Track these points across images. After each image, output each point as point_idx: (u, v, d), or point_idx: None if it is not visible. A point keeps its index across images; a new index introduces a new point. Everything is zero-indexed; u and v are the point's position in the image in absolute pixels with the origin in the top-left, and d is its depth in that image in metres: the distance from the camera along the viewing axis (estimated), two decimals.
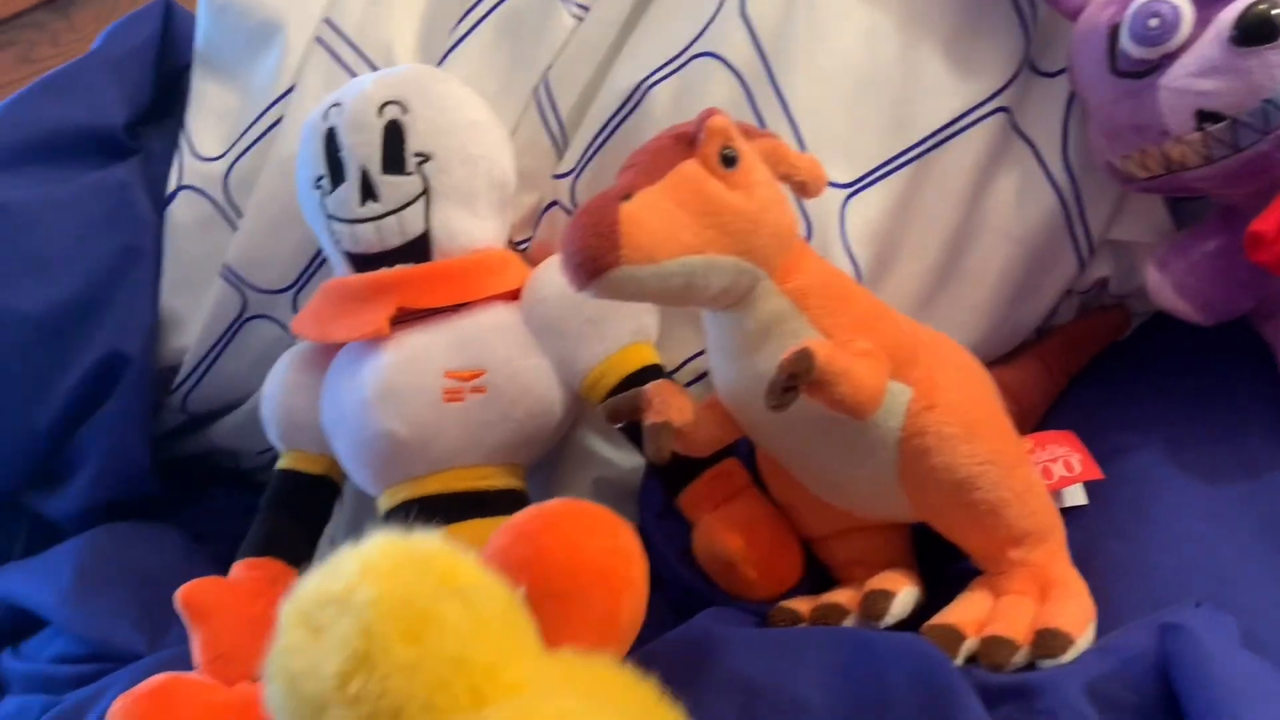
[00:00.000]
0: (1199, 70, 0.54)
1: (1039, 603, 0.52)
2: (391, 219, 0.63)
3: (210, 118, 0.81)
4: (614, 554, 0.47)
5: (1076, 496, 0.59)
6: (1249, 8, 0.53)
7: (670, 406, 0.54)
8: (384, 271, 0.64)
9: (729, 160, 0.49)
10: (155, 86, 0.87)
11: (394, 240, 0.64)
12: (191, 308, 0.80)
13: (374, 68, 0.74)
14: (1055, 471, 0.59)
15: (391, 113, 0.64)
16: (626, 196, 0.46)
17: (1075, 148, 0.65)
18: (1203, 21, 0.55)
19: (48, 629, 0.82)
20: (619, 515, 0.49)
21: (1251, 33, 0.53)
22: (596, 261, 0.46)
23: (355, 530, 0.79)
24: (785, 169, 0.53)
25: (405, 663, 0.33)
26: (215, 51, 0.82)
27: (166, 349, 0.82)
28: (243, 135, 0.78)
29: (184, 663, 0.62)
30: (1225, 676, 0.41)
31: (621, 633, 0.47)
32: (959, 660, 0.49)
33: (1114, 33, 0.58)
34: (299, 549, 0.67)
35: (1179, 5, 0.55)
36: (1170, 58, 0.55)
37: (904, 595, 0.54)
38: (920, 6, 0.66)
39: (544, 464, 0.69)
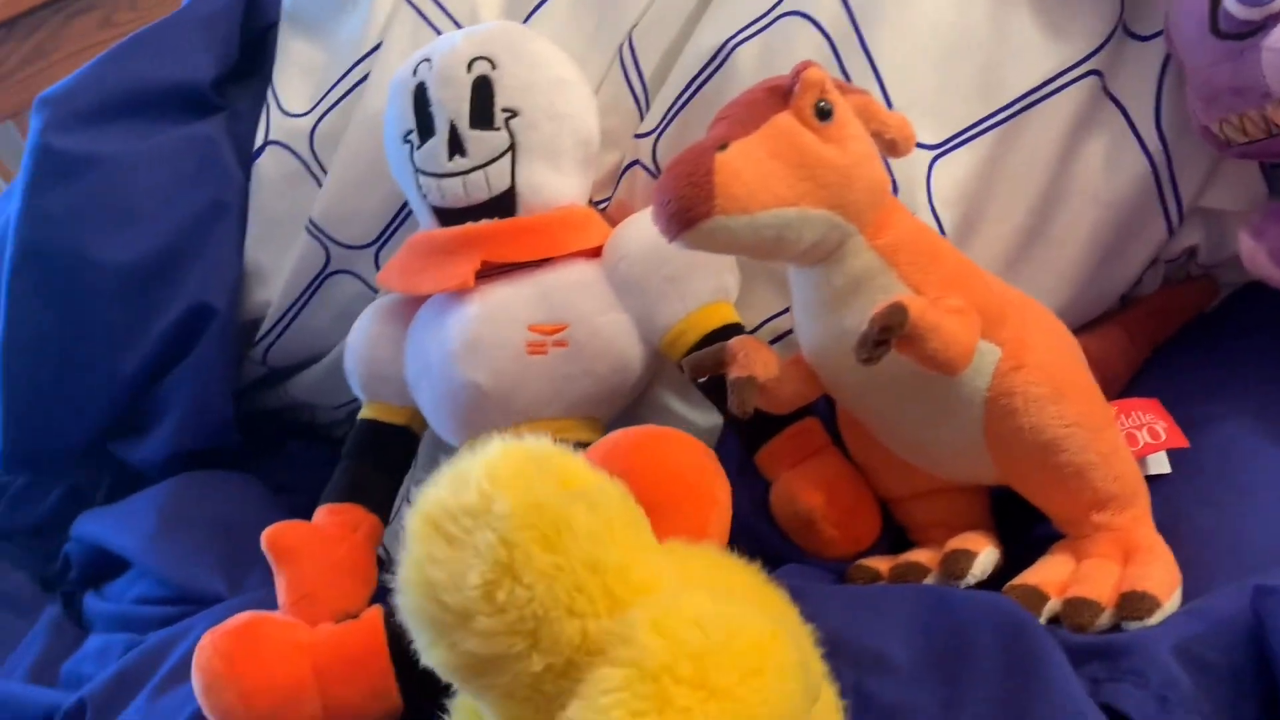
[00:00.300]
0: None
1: (1123, 567, 0.51)
2: (478, 174, 0.64)
3: (297, 74, 0.82)
4: (702, 471, 0.48)
5: (1160, 464, 0.58)
6: None
7: (755, 361, 0.54)
8: (470, 225, 0.65)
9: (824, 113, 0.49)
10: (242, 44, 0.88)
11: (480, 195, 0.65)
12: (276, 262, 0.82)
13: (459, 26, 0.75)
14: (1140, 438, 0.58)
15: (481, 68, 0.65)
16: (722, 146, 0.47)
17: (1169, 112, 0.63)
18: None
19: (130, 572, 0.84)
20: None
21: None
22: (690, 211, 0.46)
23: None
24: (876, 126, 0.53)
25: (546, 569, 0.33)
26: (302, 9, 0.84)
27: (250, 302, 0.83)
28: (329, 92, 0.79)
29: (265, 606, 0.63)
30: None
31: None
32: (1041, 621, 0.48)
33: None
34: (380, 496, 0.69)
35: None
36: (1276, 18, 0.54)
37: (985, 556, 0.54)
38: None
39: (621, 422, 0.70)
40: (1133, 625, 0.48)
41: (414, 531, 0.35)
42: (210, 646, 0.56)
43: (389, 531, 0.70)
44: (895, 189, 0.63)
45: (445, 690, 0.40)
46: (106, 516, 0.87)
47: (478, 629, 0.33)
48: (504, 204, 0.65)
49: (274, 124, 0.82)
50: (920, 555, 0.56)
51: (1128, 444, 0.57)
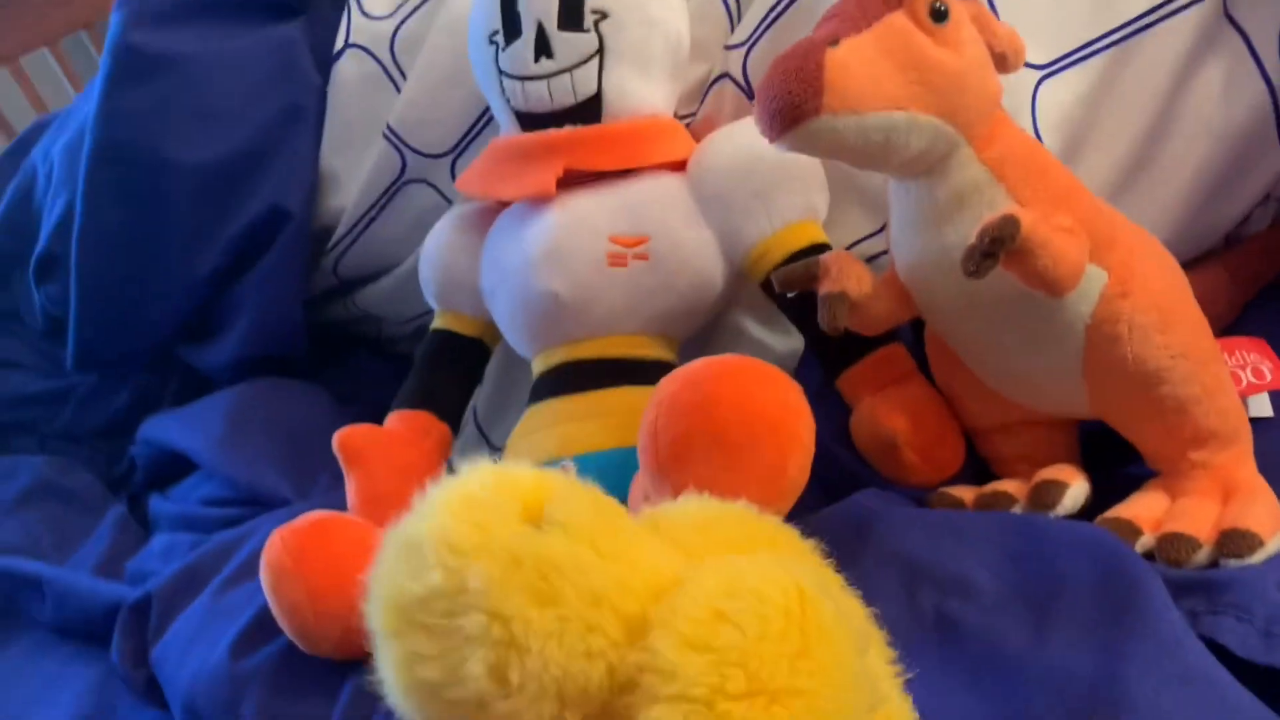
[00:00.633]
0: None
1: (1222, 506, 0.49)
2: (564, 77, 0.62)
3: None
4: (785, 409, 0.46)
5: (1263, 407, 0.56)
6: None
7: (848, 276, 0.52)
8: (553, 131, 0.63)
9: (939, 15, 0.47)
10: None
11: (565, 100, 0.63)
12: (351, 168, 0.81)
13: None
14: (1243, 378, 0.56)
15: None
16: (833, 43, 0.45)
17: None
18: None
19: (195, 474, 0.85)
20: None
21: None
22: (797, 108, 0.44)
23: (500, 394, 0.80)
24: (986, 37, 0.50)
25: (550, 627, 0.30)
26: None
27: (324, 208, 0.83)
28: None
29: (333, 510, 0.63)
30: None
31: (787, 489, 0.46)
32: None
33: None
34: (451, 406, 0.68)
35: None
36: None
37: (1076, 488, 0.52)
38: None
39: (695, 343, 0.69)
40: (1232, 563, 0.46)
41: (385, 629, 0.32)
42: (280, 543, 0.55)
43: (458, 444, 0.70)
44: None
45: None
46: (174, 419, 0.88)
47: (498, 713, 0.30)
48: (589, 111, 0.63)
49: (355, 26, 0.80)
50: (1007, 485, 0.55)
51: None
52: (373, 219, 0.81)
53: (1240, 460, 0.51)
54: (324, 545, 0.56)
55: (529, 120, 0.64)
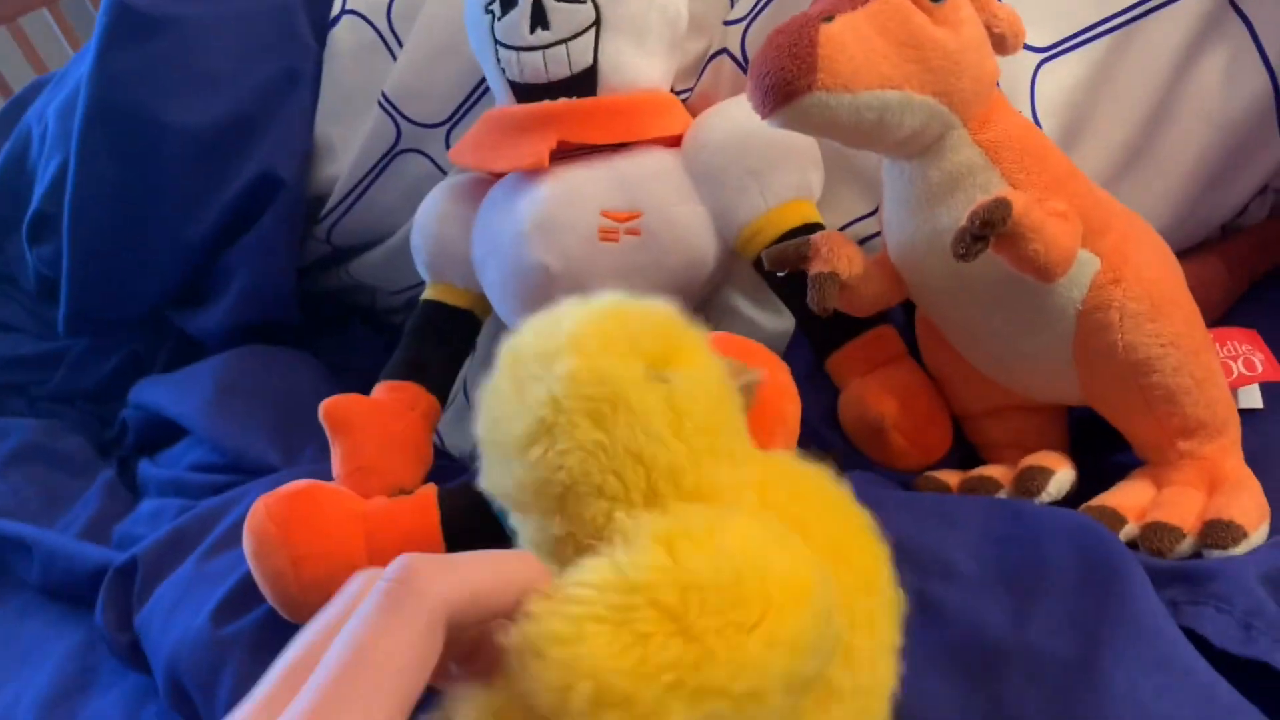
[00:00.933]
0: None
1: (1207, 496, 0.49)
2: (560, 48, 0.62)
3: None
4: (772, 388, 0.46)
5: (1252, 398, 0.56)
6: None
7: (839, 256, 0.52)
8: (547, 103, 0.63)
9: None
10: None
11: (560, 71, 0.62)
12: (346, 136, 0.81)
13: None
14: (1234, 369, 0.56)
15: None
16: (828, 18, 0.44)
17: None
18: None
19: (185, 440, 0.85)
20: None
21: None
22: (790, 85, 0.44)
23: (491, 366, 0.80)
24: (985, 17, 0.50)
25: (585, 444, 0.32)
26: None
27: (318, 176, 0.82)
28: None
29: (320, 478, 0.62)
30: None
31: None
32: None
33: None
34: (439, 378, 0.68)
35: None
36: None
37: (1062, 475, 0.52)
38: None
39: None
40: (1215, 554, 0.46)
41: (500, 359, 0.34)
42: (264, 510, 0.55)
43: (447, 415, 0.69)
44: None
45: None
46: (165, 384, 0.87)
47: (515, 471, 0.33)
48: (584, 83, 0.63)
49: None
50: (993, 471, 0.55)
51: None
52: (366, 188, 0.80)
53: (1227, 451, 0.51)
54: (309, 513, 0.55)
55: (524, 91, 0.64)
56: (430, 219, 0.69)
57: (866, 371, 0.59)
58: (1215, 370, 0.51)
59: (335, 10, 0.80)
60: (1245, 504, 0.47)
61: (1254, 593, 0.41)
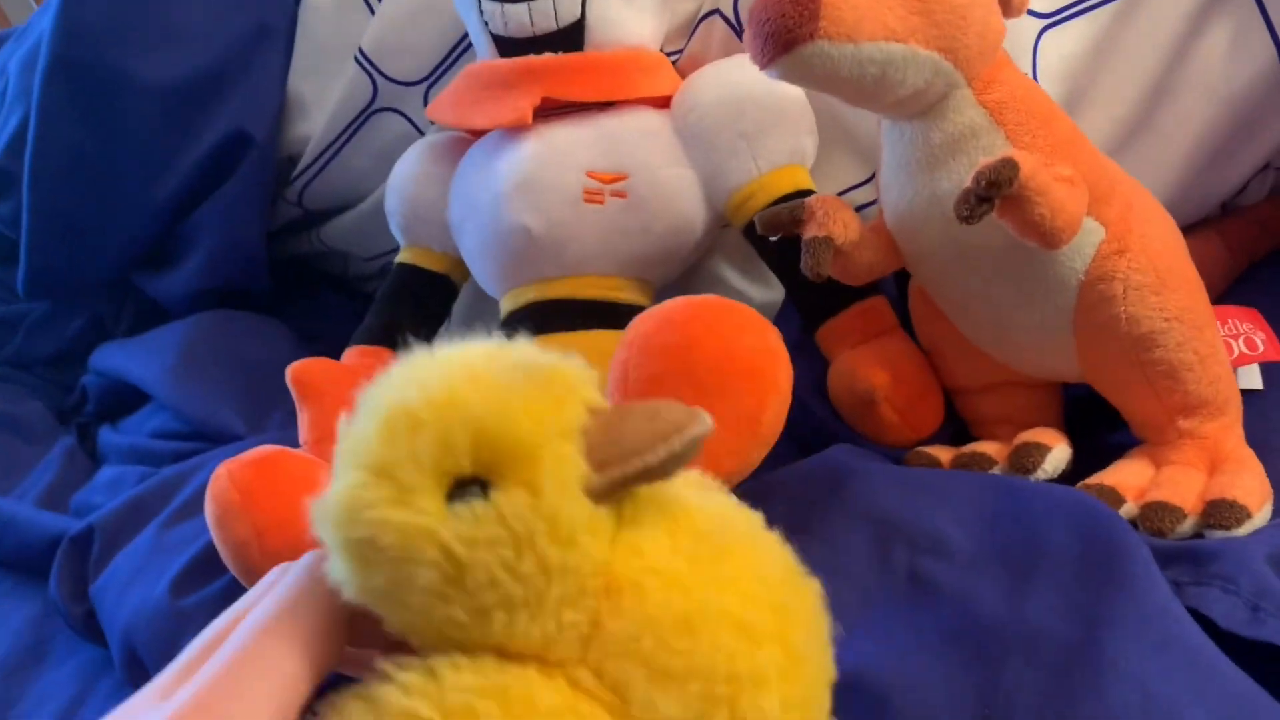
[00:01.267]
0: None
1: (1208, 476, 0.48)
2: (547, 1, 0.59)
3: None
4: (764, 354, 0.44)
5: (1252, 378, 0.54)
6: None
7: (834, 221, 0.50)
8: (532, 58, 0.60)
9: None
10: None
11: (546, 25, 0.60)
12: (320, 94, 0.78)
13: None
14: (1235, 348, 0.54)
15: None
16: None
17: None
18: None
19: (147, 406, 0.82)
20: None
21: None
22: (791, 32, 0.41)
23: (467, 333, 0.77)
24: None
25: (361, 585, 0.27)
26: None
27: (291, 135, 0.79)
28: None
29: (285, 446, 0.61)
30: None
31: (762, 436, 0.44)
32: None
33: None
34: (414, 343, 0.65)
35: None
36: None
37: (1058, 452, 0.50)
38: None
39: (672, 289, 0.66)
40: (1218, 534, 0.44)
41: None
42: (227, 476, 0.52)
43: None
44: None
45: None
46: (127, 349, 0.85)
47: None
48: (571, 38, 0.60)
49: None
50: (987, 447, 0.53)
51: None
52: (340, 148, 0.78)
53: (1228, 430, 0.49)
54: (273, 481, 0.53)
55: (507, 45, 0.61)
56: (406, 179, 0.66)
57: (858, 343, 0.57)
58: (1218, 347, 0.50)
59: None
60: (1248, 484, 0.46)
61: (1260, 573, 0.40)
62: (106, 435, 0.83)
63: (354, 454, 0.28)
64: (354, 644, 0.30)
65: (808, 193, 0.59)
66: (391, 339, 0.65)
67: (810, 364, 0.59)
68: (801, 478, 0.49)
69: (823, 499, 0.47)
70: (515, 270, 0.61)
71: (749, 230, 0.59)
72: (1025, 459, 0.50)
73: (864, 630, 0.41)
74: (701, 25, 0.66)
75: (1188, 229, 0.63)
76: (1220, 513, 0.44)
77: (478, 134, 0.65)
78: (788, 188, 0.59)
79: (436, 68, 0.73)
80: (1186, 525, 0.45)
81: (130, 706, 0.27)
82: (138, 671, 0.55)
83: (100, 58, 0.78)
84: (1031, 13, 0.58)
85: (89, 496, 0.74)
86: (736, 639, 0.27)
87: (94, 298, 0.91)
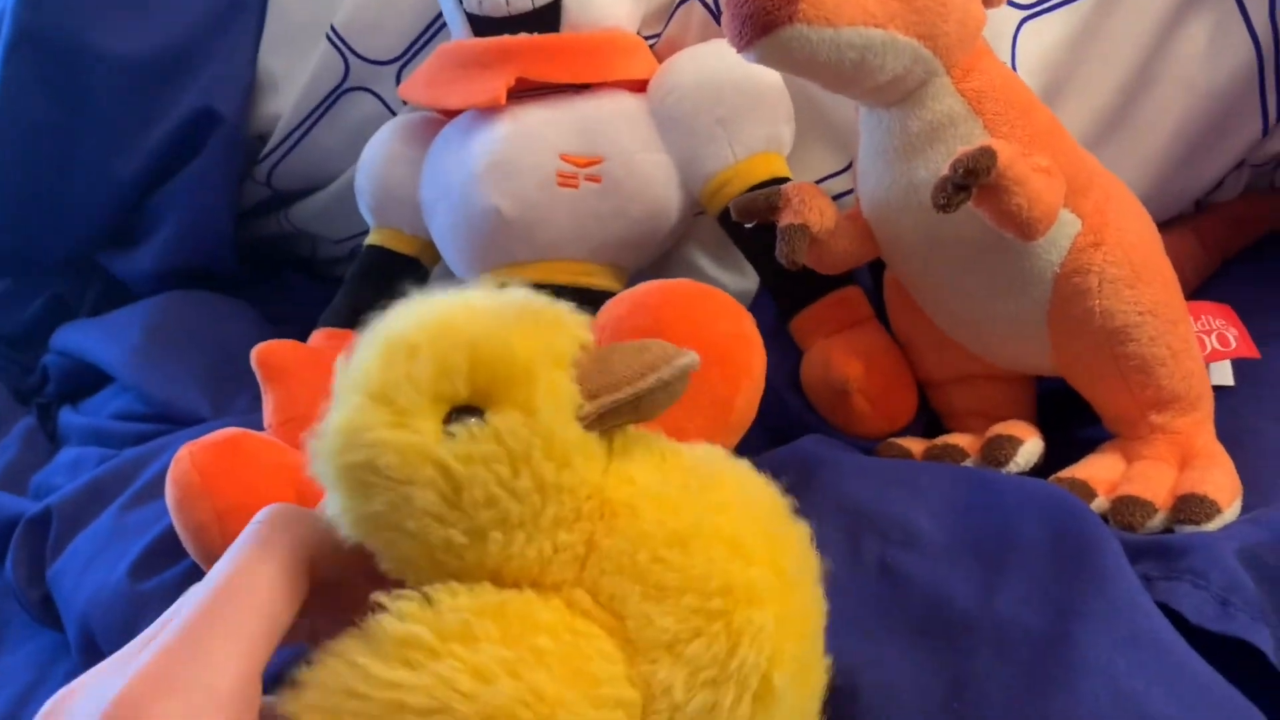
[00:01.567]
0: None
1: (1179, 471, 0.48)
2: None
3: None
4: (737, 339, 0.43)
5: (1224, 374, 0.54)
6: None
7: (810, 208, 0.49)
8: (507, 37, 0.59)
9: None
10: None
11: (522, 5, 0.59)
12: (290, 71, 0.76)
13: None
14: (1207, 344, 0.54)
15: None
16: None
17: None
18: None
19: (109, 387, 0.81)
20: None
21: None
22: (770, 15, 0.41)
23: None
24: None
25: (357, 515, 0.28)
26: None
27: (260, 113, 0.78)
28: None
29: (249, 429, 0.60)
30: None
31: (734, 423, 0.44)
32: None
33: None
34: None
35: None
36: None
37: (1030, 445, 0.50)
38: None
39: (646, 276, 0.65)
40: (1188, 530, 0.44)
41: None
42: (188, 459, 0.51)
43: None
44: None
45: None
46: (90, 328, 0.83)
47: None
48: (547, 18, 0.59)
49: None
50: (959, 439, 0.53)
51: None
52: (310, 127, 0.76)
53: (1200, 426, 0.49)
54: (235, 463, 0.52)
55: (482, 24, 0.60)
56: (377, 159, 0.65)
57: (832, 333, 0.56)
58: (1192, 343, 0.50)
59: None
60: (1219, 479, 0.46)
61: (1231, 568, 0.39)
62: (67, 416, 0.82)
63: (352, 383, 0.28)
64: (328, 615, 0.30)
65: (784, 180, 0.59)
66: (359, 322, 0.63)
67: (784, 353, 0.59)
68: (773, 467, 0.48)
69: (793, 489, 0.46)
70: (486, 253, 0.60)
71: (724, 217, 0.58)
72: (998, 451, 0.49)
73: (834, 621, 0.40)
74: (680, 9, 0.65)
75: (1162, 225, 0.63)
76: (1191, 508, 0.44)
77: (451, 114, 0.64)
78: (764, 175, 0.59)
79: (410, 47, 0.72)
80: (1157, 520, 0.45)
81: (96, 671, 0.27)
82: (94, 656, 0.53)
83: (66, 30, 0.76)
84: (1012, 3, 0.58)
85: (48, 478, 0.73)
86: (729, 555, 0.28)
87: (57, 276, 0.90)
